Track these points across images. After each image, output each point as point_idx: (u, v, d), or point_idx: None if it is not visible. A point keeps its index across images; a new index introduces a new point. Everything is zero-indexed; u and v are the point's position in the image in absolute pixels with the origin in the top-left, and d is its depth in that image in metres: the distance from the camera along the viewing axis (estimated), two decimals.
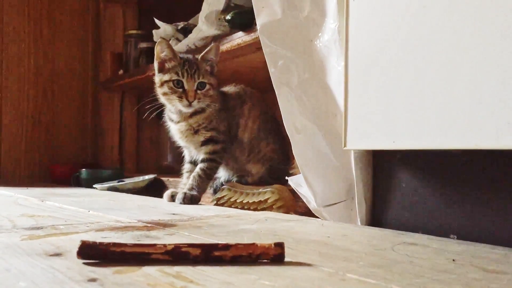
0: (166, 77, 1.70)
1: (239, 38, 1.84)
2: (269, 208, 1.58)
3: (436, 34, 0.99)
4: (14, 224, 1.10)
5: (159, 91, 1.74)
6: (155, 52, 1.72)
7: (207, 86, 1.71)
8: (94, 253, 0.70)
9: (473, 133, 0.92)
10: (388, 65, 1.09)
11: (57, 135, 3.00)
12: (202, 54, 1.73)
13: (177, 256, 0.71)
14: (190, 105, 1.69)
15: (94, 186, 2.40)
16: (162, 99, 1.75)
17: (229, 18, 1.86)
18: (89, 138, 3.15)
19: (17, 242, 0.87)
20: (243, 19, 1.81)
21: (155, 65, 1.74)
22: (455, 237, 1.06)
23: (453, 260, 0.80)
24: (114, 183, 2.37)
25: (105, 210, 1.41)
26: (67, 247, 0.82)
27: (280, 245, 0.73)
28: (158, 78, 1.74)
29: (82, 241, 0.70)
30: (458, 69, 0.95)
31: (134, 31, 2.93)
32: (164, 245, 0.71)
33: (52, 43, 3.01)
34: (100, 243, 0.71)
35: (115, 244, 0.71)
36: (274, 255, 0.72)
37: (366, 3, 1.14)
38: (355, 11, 1.16)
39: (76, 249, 0.70)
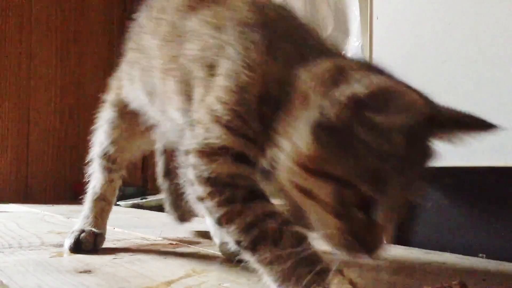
0: None
1: None
2: None
3: (461, 50, 0.98)
4: (42, 241, 1.12)
5: None
6: None
7: None
8: None
9: (502, 150, 0.90)
10: (412, 82, 1.08)
11: (82, 154, 3.04)
12: None
13: None
14: None
15: (118, 203, 2.42)
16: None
17: None
18: None
19: (47, 259, 0.89)
20: None
21: None
22: (484, 256, 1.04)
23: (483, 279, 0.78)
24: (137, 200, 2.39)
25: (130, 227, 1.42)
26: (96, 264, 0.83)
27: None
28: None
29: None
30: (483, 84, 0.94)
31: None
32: None
33: (78, 64, 3.08)
34: None
35: None
36: None
37: (389, 21, 1.14)
38: (378, 29, 1.16)
39: None
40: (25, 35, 2.95)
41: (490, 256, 1.03)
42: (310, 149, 0.54)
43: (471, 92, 0.96)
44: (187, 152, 0.66)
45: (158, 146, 1.18)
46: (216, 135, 0.63)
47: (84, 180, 1.18)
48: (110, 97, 1.12)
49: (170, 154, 1.19)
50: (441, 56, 1.02)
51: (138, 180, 3.15)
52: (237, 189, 0.61)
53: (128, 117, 1.05)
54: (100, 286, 0.67)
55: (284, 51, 0.64)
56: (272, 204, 0.64)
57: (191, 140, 0.67)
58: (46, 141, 3.00)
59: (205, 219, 1.09)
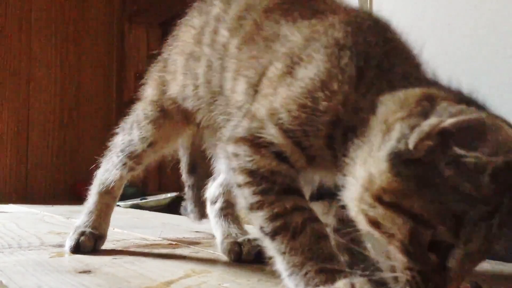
0: None
1: None
2: None
3: (460, 50, 0.98)
4: (42, 241, 1.12)
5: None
6: None
7: None
8: None
9: None
10: None
11: (81, 154, 3.05)
12: None
13: None
14: None
15: (117, 203, 2.42)
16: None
17: None
18: None
19: (46, 259, 0.89)
20: None
21: None
22: None
23: (483, 280, 0.78)
24: (137, 201, 2.39)
25: (129, 227, 1.42)
26: (95, 264, 0.83)
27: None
28: None
29: None
30: (483, 84, 0.94)
31: (157, 52, 2.98)
32: None
33: (77, 65, 3.08)
34: None
35: None
36: None
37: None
38: None
39: None
40: (25, 35, 2.94)
41: (490, 256, 1.03)
42: (387, 180, 0.51)
43: (471, 92, 0.96)
44: (232, 139, 0.66)
45: (182, 142, 1.09)
46: (270, 133, 0.63)
47: (85, 179, 1.17)
48: (152, 92, 1.00)
49: (195, 150, 1.12)
50: (441, 56, 1.02)
51: (138, 181, 3.14)
52: (274, 184, 0.62)
53: (171, 116, 0.95)
54: (100, 286, 0.67)
55: (370, 79, 0.61)
56: (305, 201, 0.64)
57: (240, 129, 0.67)
58: (46, 141, 3.00)
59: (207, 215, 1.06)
